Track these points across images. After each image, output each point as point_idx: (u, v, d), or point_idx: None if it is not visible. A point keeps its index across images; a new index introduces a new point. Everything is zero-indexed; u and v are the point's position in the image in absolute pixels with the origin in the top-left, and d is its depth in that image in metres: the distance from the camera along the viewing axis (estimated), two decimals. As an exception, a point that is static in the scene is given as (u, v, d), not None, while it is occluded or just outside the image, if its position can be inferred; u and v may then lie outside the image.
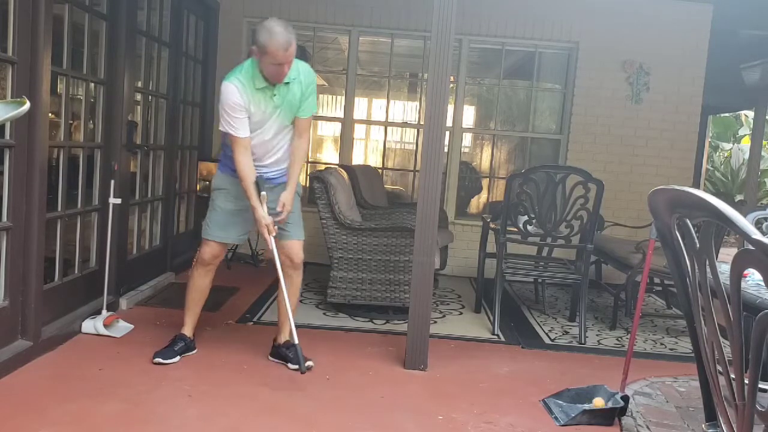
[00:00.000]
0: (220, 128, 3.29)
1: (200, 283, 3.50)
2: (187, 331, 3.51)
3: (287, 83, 3.21)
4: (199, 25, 5.80)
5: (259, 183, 3.26)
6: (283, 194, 3.32)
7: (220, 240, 3.43)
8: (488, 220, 5.09)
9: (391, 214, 5.21)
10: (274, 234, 3.29)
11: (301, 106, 3.28)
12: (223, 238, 3.44)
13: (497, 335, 4.34)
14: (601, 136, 6.21)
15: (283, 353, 3.46)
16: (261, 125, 3.25)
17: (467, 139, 7.04)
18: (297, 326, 3.91)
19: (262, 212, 3.24)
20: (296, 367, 3.28)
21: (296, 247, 3.47)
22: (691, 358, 2.79)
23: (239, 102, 3.16)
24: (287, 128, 3.34)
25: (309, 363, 3.34)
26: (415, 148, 6.98)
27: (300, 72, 3.27)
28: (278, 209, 3.29)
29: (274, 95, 3.21)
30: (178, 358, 3.37)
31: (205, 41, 5.96)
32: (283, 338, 3.52)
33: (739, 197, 11.02)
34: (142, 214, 4.83)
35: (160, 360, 3.30)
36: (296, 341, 3.26)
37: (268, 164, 3.36)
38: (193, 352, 3.49)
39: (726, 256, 2.33)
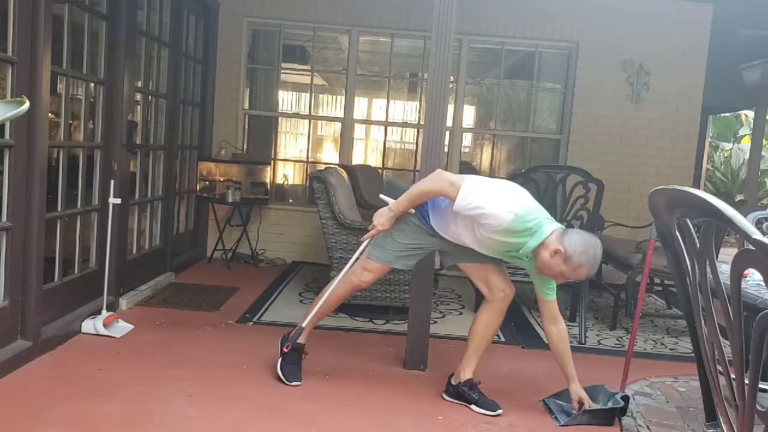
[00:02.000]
0: (465, 201, 2.80)
1: (337, 303, 3.31)
2: (304, 340, 3.28)
3: (521, 257, 2.91)
4: (199, 25, 5.80)
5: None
6: (572, 389, 3.08)
7: (389, 264, 3.18)
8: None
9: (391, 214, 5.19)
10: (366, 241, 3.12)
11: (540, 285, 3.04)
12: (392, 263, 3.18)
13: (497, 335, 4.33)
14: (601, 136, 6.21)
15: (463, 394, 3.12)
16: (473, 236, 2.94)
17: (467, 139, 7.04)
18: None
19: (391, 222, 3.01)
20: (486, 413, 3.03)
21: (494, 276, 3.19)
22: (691, 358, 2.80)
23: (489, 226, 2.81)
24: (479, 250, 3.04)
25: (499, 412, 3.05)
26: (415, 148, 6.98)
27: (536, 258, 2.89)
28: (573, 407, 3.07)
29: (516, 258, 2.95)
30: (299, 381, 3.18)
31: (204, 41, 5.95)
32: (464, 376, 3.16)
33: (739, 197, 11.02)
34: (141, 214, 4.83)
35: (298, 383, 3.15)
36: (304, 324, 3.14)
37: (446, 238, 3.10)
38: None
39: (726, 256, 2.33)
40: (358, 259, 3.19)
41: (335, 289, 3.22)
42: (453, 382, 3.19)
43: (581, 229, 2.96)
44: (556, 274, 2.86)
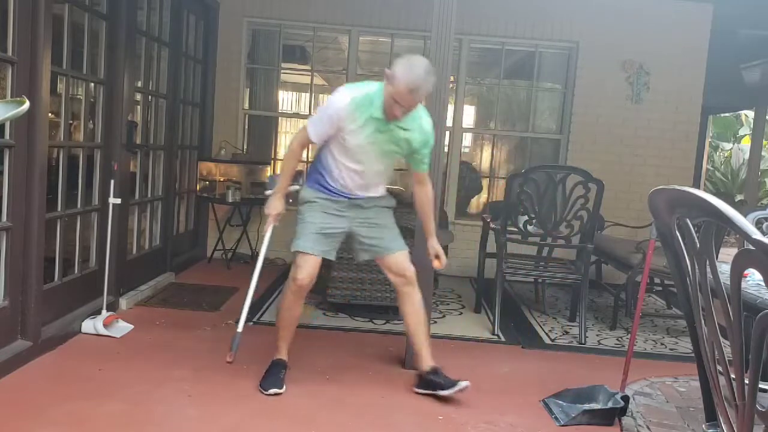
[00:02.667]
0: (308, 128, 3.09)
1: (295, 313, 3.22)
2: (284, 355, 3.25)
3: (402, 128, 3.01)
4: (199, 25, 5.80)
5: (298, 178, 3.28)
6: (431, 246, 3.20)
7: (312, 252, 3.11)
8: (488, 220, 5.08)
9: (391, 214, 5.20)
10: (273, 224, 3.22)
11: (414, 156, 3.12)
12: (316, 250, 3.12)
13: (497, 335, 4.34)
14: (601, 136, 6.21)
15: (431, 380, 3.17)
16: (362, 153, 3.06)
17: (467, 139, 7.04)
18: (297, 326, 3.89)
19: (278, 202, 3.18)
20: (447, 392, 3.09)
21: (402, 259, 3.23)
22: (691, 358, 2.79)
23: (340, 115, 2.96)
24: (385, 169, 3.21)
25: (462, 384, 3.10)
26: (415, 148, 6.97)
27: (421, 131, 3.05)
28: (433, 262, 3.22)
29: (381, 132, 3.00)
30: (284, 387, 3.12)
31: (204, 41, 5.96)
32: (425, 365, 3.22)
33: (739, 197, 11.02)
34: (141, 214, 4.83)
35: (277, 390, 3.06)
36: (239, 329, 3.10)
37: (356, 192, 3.19)
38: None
39: (726, 256, 2.33)
40: (266, 251, 3.29)
41: (284, 299, 3.24)
42: (421, 373, 3.24)
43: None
44: (391, 106, 2.90)
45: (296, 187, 3.25)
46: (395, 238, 3.29)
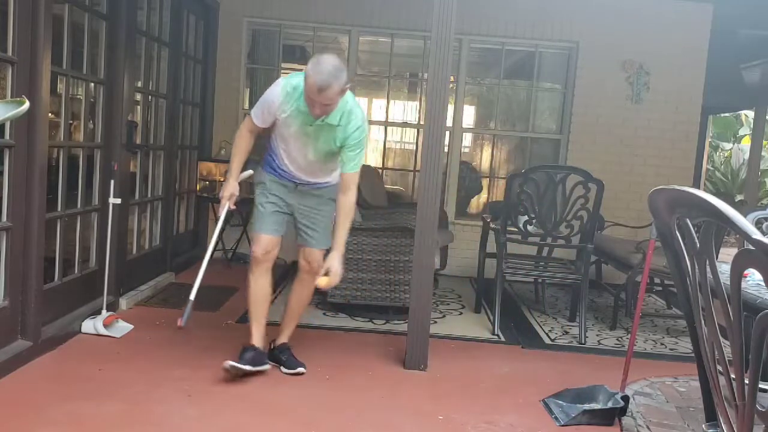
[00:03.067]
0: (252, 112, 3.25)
1: (259, 293, 3.31)
2: (257, 341, 3.30)
3: (330, 124, 3.07)
4: (199, 25, 5.80)
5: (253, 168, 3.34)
6: (329, 259, 3.14)
7: (265, 232, 3.29)
8: (488, 220, 5.08)
9: (391, 214, 5.20)
10: (228, 207, 3.27)
11: (342, 155, 3.14)
12: (266, 229, 3.30)
13: (497, 335, 4.34)
14: (601, 136, 6.21)
15: (276, 356, 3.40)
16: (299, 141, 3.17)
17: (467, 139, 7.04)
18: (297, 326, 3.90)
19: (233, 184, 3.25)
20: (286, 371, 3.30)
21: (317, 256, 3.36)
22: (691, 358, 2.79)
23: (275, 104, 3.09)
24: (324, 160, 3.24)
25: (300, 369, 3.32)
26: (415, 148, 6.98)
27: (348, 122, 3.08)
28: (322, 280, 3.12)
29: (309, 125, 3.08)
30: (249, 367, 3.17)
31: (205, 41, 5.95)
32: (279, 340, 3.47)
33: (739, 197, 11.02)
34: (141, 214, 4.83)
35: (233, 364, 3.13)
36: (192, 297, 3.11)
37: (302, 177, 3.30)
38: (265, 366, 3.29)
39: (726, 256, 2.33)
40: (221, 232, 3.30)
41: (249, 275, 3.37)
42: (272, 347, 3.43)
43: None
44: (310, 104, 2.97)
45: (249, 172, 3.35)
46: (324, 236, 3.37)
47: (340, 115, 3.07)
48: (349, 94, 3.09)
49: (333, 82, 2.87)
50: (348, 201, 3.19)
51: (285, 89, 3.07)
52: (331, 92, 2.89)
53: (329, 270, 3.11)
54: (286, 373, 3.31)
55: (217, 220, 3.36)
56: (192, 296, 3.13)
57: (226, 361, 3.14)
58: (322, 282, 3.12)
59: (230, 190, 3.25)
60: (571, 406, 3.08)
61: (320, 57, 2.94)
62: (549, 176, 4.44)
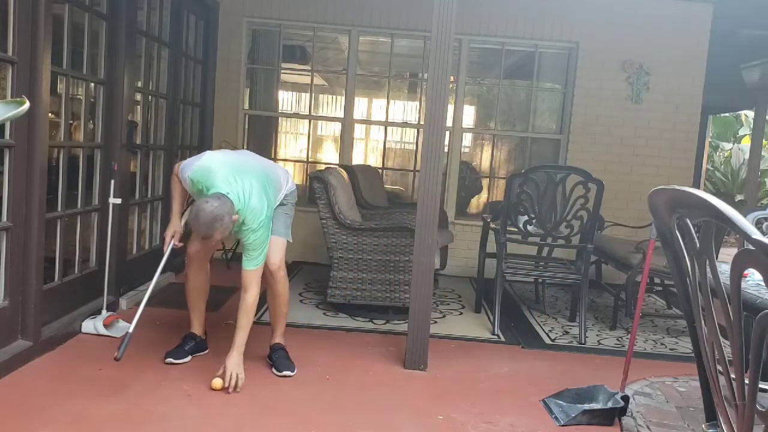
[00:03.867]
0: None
1: (195, 283, 3.51)
2: (196, 329, 3.51)
3: (235, 231, 3.11)
4: (199, 25, 5.80)
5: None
6: (228, 359, 3.10)
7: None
8: (488, 220, 5.08)
9: (391, 214, 5.21)
10: (176, 244, 3.31)
11: (245, 255, 3.16)
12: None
13: (497, 335, 4.34)
14: (601, 136, 6.21)
15: (271, 356, 3.45)
16: None
17: (467, 139, 7.03)
18: (297, 326, 3.93)
19: (176, 222, 3.32)
20: (275, 372, 3.32)
21: (271, 247, 3.28)
22: (691, 358, 2.80)
23: (188, 184, 3.18)
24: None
25: (287, 373, 3.32)
26: (415, 148, 6.98)
27: (247, 218, 3.07)
28: (216, 382, 3.06)
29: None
30: (189, 357, 3.37)
31: (205, 41, 5.95)
32: (272, 341, 3.51)
33: (739, 197, 11.02)
34: (142, 214, 4.83)
35: (172, 360, 3.31)
36: (130, 330, 3.15)
37: None
38: (205, 352, 3.48)
39: (726, 256, 2.33)
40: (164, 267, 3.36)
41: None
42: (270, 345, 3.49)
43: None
44: None
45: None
46: (278, 226, 3.33)
47: (241, 220, 3.07)
48: (237, 201, 3.01)
49: (216, 228, 2.89)
50: (247, 300, 3.15)
51: (190, 180, 3.12)
52: (220, 234, 2.95)
53: (224, 369, 3.07)
54: (276, 375, 3.33)
55: (162, 255, 3.36)
56: (131, 329, 3.17)
57: (167, 358, 3.32)
58: (216, 384, 3.04)
59: (173, 228, 3.32)
60: (571, 406, 3.08)
61: (197, 209, 2.88)
62: (549, 176, 4.44)
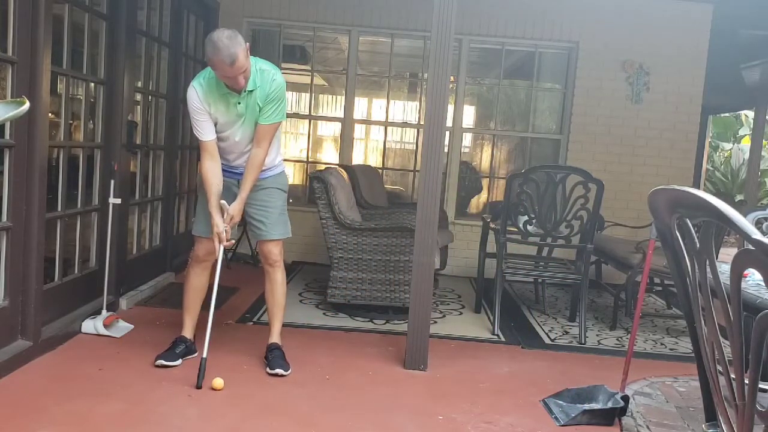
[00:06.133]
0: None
1: (195, 283, 3.48)
2: (188, 333, 3.49)
3: (251, 91, 3.15)
4: (199, 25, 5.80)
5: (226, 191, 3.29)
6: (231, 206, 3.21)
7: (204, 234, 3.35)
8: (488, 220, 5.09)
9: (391, 214, 5.21)
10: (225, 244, 3.23)
11: (262, 111, 3.20)
12: (206, 232, 3.32)
13: (497, 335, 4.34)
14: (601, 136, 6.21)
15: (267, 355, 3.42)
16: (228, 128, 3.24)
17: (467, 139, 7.04)
18: (297, 326, 3.92)
19: (218, 220, 3.18)
20: (269, 371, 3.30)
21: (271, 247, 3.41)
22: (691, 358, 2.80)
23: (199, 106, 3.15)
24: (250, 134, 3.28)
25: (279, 371, 3.29)
26: (415, 148, 6.98)
27: (263, 80, 3.18)
28: (225, 223, 3.18)
29: (238, 103, 3.16)
30: (180, 361, 3.34)
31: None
32: (269, 340, 3.49)
33: (739, 197, 11.02)
34: (142, 214, 4.83)
35: (163, 362, 3.29)
36: (204, 354, 3.11)
37: (241, 165, 3.33)
38: (194, 355, 3.45)
39: (726, 256, 2.33)
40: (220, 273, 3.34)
41: (187, 271, 3.54)
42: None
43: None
44: (229, 84, 3.08)
45: (224, 202, 3.23)
46: (276, 224, 3.41)
47: (254, 79, 3.15)
48: (251, 57, 3.13)
49: (236, 49, 2.96)
50: (257, 153, 3.22)
51: (197, 87, 3.16)
52: (241, 59, 2.98)
53: (231, 217, 3.19)
54: (268, 373, 3.31)
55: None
56: (205, 353, 3.14)
57: (158, 360, 3.28)
58: (217, 384, 3.06)
59: (220, 228, 3.19)
60: (571, 406, 3.08)
61: (211, 37, 2.98)
62: (549, 176, 4.44)
